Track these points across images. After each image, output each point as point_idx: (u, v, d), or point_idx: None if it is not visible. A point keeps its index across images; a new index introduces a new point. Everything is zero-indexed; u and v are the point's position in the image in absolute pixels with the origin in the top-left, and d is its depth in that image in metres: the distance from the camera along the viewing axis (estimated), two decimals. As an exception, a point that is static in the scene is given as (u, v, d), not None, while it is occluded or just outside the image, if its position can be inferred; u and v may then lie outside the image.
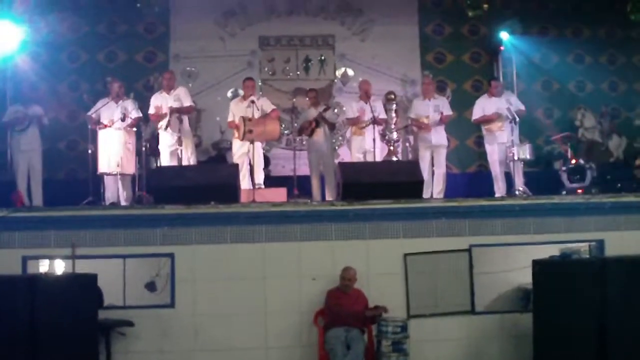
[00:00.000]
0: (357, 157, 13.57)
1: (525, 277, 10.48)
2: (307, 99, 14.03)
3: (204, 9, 15.88)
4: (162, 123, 12.88)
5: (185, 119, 13.22)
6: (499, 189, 13.35)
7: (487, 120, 13.59)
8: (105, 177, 12.78)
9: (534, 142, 14.23)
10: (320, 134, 13.42)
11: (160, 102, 13.14)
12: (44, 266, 10.78)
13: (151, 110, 13.23)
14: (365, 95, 13.54)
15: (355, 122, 13.59)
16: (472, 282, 10.78)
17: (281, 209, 10.87)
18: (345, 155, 14.73)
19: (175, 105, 12.93)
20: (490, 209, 11.11)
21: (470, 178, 15.73)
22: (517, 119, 13.01)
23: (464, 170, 16.06)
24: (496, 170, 13.48)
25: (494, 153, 13.53)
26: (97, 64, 15.66)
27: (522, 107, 13.57)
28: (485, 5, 14.76)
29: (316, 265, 10.56)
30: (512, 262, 11.26)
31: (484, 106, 13.67)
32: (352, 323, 9.84)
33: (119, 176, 12.55)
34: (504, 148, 13.25)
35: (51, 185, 13.42)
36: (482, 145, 14.60)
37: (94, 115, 12.88)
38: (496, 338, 10.71)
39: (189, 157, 12.95)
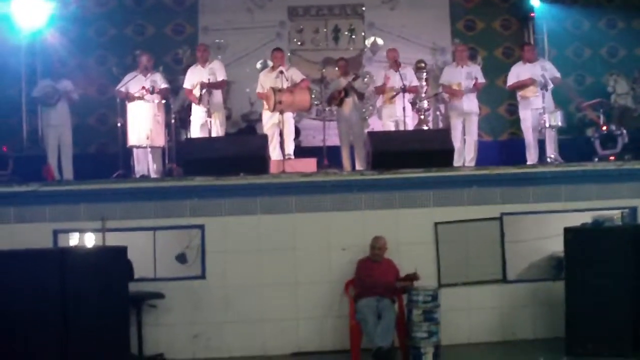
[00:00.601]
0: (388, 125, 13.49)
1: (557, 245, 10.37)
2: (337, 68, 13.94)
3: (232, -20, 15.79)
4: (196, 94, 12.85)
5: (217, 91, 13.16)
6: (531, 156, 13.20)
7: (520, 85, 13.43)
8: (135, 150, 12.78)
9: (566, 109, 14.00)
10: (349, 103, 13.33)
11: (195, 75, 13.10)
12: (74, 239, 10.82)
13: (186, 85, 13.21)
14: (395, 64, 13.40)
15: (382, 90, 13.52)
16: (504, 251, 10.71)
17: (311, 180, 10.83)
18: (376, 124, 14.65)
19: (210, 79, 12.85)
20: (521, 177, 11.00)
21: (502, 146, 15.53)
22: (549, 86, 12.83)
23: (495, 138, 15.88)
24: (529, 137, 13.33)
25: (527, 119, 13.37)
26: (125, 37, 15.65)
27: (558, 75, 13.38)
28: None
29: (346, 235, 10.53)
30: (544, 230, 11.13)
31: (518, 72, 13.52)
32: (383, 293, 9.79)
33: (148, 149, 12.56)
34: (537, 114, 13.07)
35: (81, 160, 13.43)
36: (513, 113, 14.50)
37: (122, 89, 12.85)
38: (528, 307, 10.66)
39: (218, 130, 12.90)
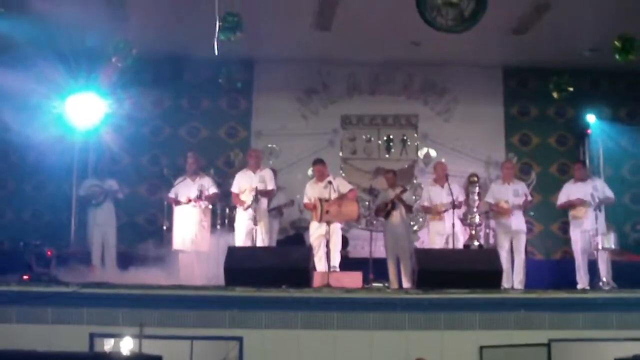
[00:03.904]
0: (437, 240, 13.30)
1: (610, 373, 9.97)
2: (385, 179, 13.80)
3: (286, 86, 15.95)
4: (244, 204, 12.78)
5: (264, 199, 13.12)
6: (581, 279, 12.91)
7: (569, 205, 13.29)
8: (180, 253, 12.71)
9: (621, 229, 13.69)
10: (396, 216, 13.17)
11: (244, 180, 13.09)
12: (109, 344, 10.66)
13: (234, 189, 13.19)
14: (443, 179, 13.30)
15: (430, 210, 13.46)
16: (551, 378, 10.32)
17: (354, 296, 10.62)
18: (426, 237, 14.45)
19: (259, 186, 12.83)
20: (571, 302, 10.68)
21: (555, 265, 15.21)
22: (601, 206, 12.59)
23: (548, 257, 15.59)
24: (579, 259, 13.10)
25: (577, 241, 13.21)
26: (178, 138, 15.80)
27: (611, 195, 13.21)
28: (571, 88, 14.35)
29: (388, 355, 10.19)
30: (594, 358, 10.70)
31: (568, 191, 13.39)
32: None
33: (193, 253, 12.52)
34: (588, 236, 12.89)
35: (127, 259, 13.35)
36: (567, 232, 14.21)
37: (172, 195, 12.97)
38: None
39: (263, 238, 12.80)
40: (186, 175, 13.15)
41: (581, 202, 12.95)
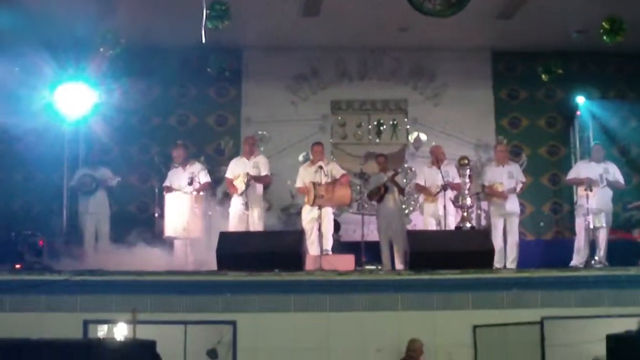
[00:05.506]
0: (430, 223, 13.35)
1: (601, 350, 9.93)
2: (376, 164, 13.82)
3: (275, 73, 15.92)
4: (240, 188, 12.82)
5: (258, 185, 13.16)
6: (580, 258, 12.92)
7: (575, 183, 13.51)
8: (174, 240, 12.74)
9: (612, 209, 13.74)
10: (389, 199, 13.17)
11: (239, 167, 13.13)
12: (103, 331, 10.68)
13: (228, 175, 13.24)
14: (437, 161, 13.33)
15: (424, 190, 13.47)
16: (544, 356, 10.30)
17: (346, 278, 10.67)
18: (418, 220, 14.51)
19: (254, 172, 12.89)
20: (563, 280, 10.77)
21: (547, 245, 15.23)
22: (595, 187, 12.68)
23: (539, 237, 15.62)
24: (580, 238, 13.14)
25: (578, 222, 13.26)
26: (168, 127, 15.77)
27: (621, 180, 13.37)
28: (559, 70, 14.39)
29: (382, 336, 10.28)
30: (587, 335, 10.70)
31: (579, 169, 13.55)
32: (419, 398, 9.51)
33: (187, 240, 12.55)
34: (582, 215, 12.91)
35: (119, 247, 13.29)
36: (558, 212, 14.24)
37: (168, 184, 13.10)
38: (570, 414, 10.25)
39: (255, 223, 12.82)
40: (175, 165, 13.17)
41: (588, 181, 12.95)
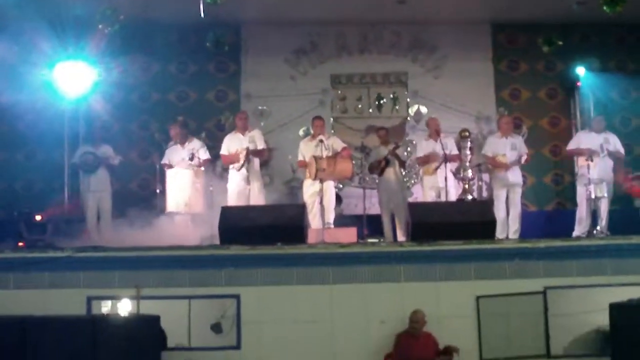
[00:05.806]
0: (430, 195, 13.35)
1: (604, 319, 10.03)
2: (377, 137, 13.81)
3: (274, 48, 15.84)
4: (236, 165, 12.83)
5: (256, 159, 13.18)
6: (582, 228, 12.98)
7: (576, 153, 13.50)
8: (175, 216, 12.75)
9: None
10: (391, 172, 13.21)
11: (234, 143, 13.14)
12: (107, 307, 10.71)
13: (223, 151, 13.25)
14: (435, 133, 13.33)
15: (424, 161, 13.47)
16: (547, 325, 10.39)
17: (348, 250, 10.66)
18: (419, 193, 14.49)
19: (250, 147, 12.92)
20: (565, 250, 10.75)
21: (548, 216, 15.29)
22: (595, 157, 12.66)
23: (541, 208, 15.63)
24: (582, 208, 13.15)
25: (580, 191, 13.26)
26: (168, 103, 15.75)
27: (621, 150, 13.35)
28: (560, 42, 14.33)
29: (385, 307, 10.30)
30: (589, 304, 10.75)
31: (580, 139, 13.52)
32: (422, 368, 9.53)
33: (189, 215, 12.61)
34: (583, 185, 12.93)
35: (122, 223, 13.31)
36: (559, 183, 14.23)
37: (166, 161, 13.12)
38: (573, 382, 10.30)
39: (256, 197, 12.85)
40: (174, 142, 13.21)
41: (588, 152, 12.95)
